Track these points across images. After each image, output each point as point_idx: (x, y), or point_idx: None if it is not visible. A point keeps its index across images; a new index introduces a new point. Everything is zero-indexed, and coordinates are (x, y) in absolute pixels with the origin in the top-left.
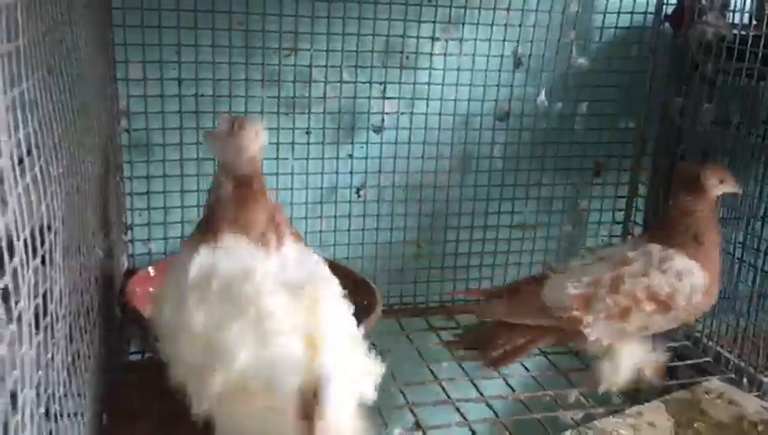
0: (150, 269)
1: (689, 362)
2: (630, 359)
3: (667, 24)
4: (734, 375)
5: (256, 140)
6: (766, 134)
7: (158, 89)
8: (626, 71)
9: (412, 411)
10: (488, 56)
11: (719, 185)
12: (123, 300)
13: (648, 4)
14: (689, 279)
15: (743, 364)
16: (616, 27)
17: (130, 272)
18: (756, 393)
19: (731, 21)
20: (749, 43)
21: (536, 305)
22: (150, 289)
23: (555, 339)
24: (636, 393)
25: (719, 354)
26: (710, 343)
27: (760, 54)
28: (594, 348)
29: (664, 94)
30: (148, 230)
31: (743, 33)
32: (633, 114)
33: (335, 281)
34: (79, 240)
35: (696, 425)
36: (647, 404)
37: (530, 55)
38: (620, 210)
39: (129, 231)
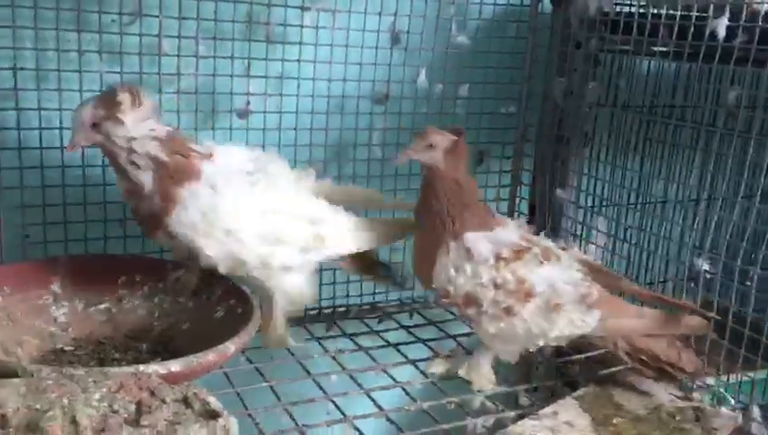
0: None
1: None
2: None
3: (546, 0)
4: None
5: None
6: (652, 112)
7: None
8: (505, 51)
9: None
10: (363, 31)
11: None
12: None
13: None
14: None
15: None
16: (495, 4)
17: None
18: None
19: None
20: (636, 17)
21: None
22: None
23: None
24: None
25: None
26: None
27: (648, 26)
28: None
29: (545, 75)
30: None
31: (626, 6)
32: (514, 98)
33: None
34: None
35: (614, 421)
36: (560, 402)
37: (408, 31)
38: (504, 200)
39: None
